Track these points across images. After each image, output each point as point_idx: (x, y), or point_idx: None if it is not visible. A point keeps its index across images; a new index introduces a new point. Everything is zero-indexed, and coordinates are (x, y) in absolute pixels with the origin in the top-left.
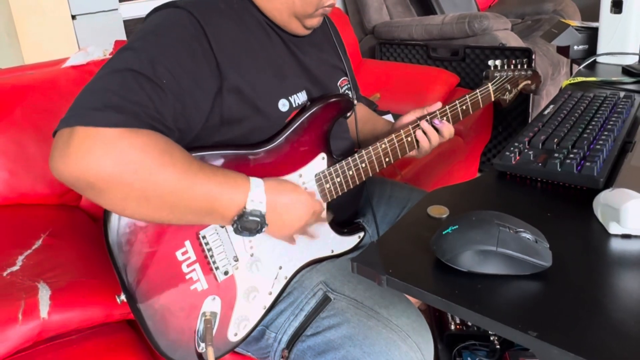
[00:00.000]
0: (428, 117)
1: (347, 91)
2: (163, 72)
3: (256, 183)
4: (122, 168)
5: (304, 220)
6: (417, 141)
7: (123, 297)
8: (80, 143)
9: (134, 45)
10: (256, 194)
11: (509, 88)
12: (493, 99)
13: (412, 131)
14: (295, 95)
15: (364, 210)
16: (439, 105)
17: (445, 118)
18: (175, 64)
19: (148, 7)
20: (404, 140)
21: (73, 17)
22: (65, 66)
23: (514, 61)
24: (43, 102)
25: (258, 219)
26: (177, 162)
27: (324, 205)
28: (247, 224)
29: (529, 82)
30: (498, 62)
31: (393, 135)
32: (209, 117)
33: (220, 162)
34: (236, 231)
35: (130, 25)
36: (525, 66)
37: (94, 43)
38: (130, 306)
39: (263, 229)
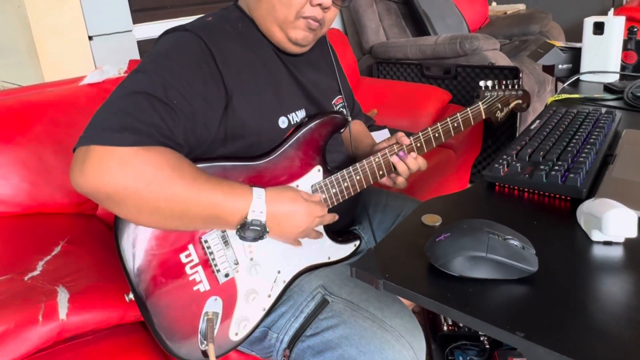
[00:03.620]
0: (396, 149)
1: (341, 109)
2: (174, 94)
3: (258, 193)
4: (136, 182)
5: (304, 226)
6: (395, 169)
7: (131, 295)
8: (97, 160)
9: (147, 68)
10: (257, 204)
11: (500, 107)
12: (484, 117)
13: (389, 157)
14: (294, 113)
15: (360, 218)
16: (406, 141)
17: (437, 133)
18: (186, 85)
19: (161, 29)
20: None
21: (90, 38)
22: (83, 84)
23: (504, 82)
24: (62, 118)
25: (258, 228)
26: (186, 175)
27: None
28: (249, 232)
29: (520, 101)
30: (489, 83)
31: (387, 150)
32: (216, 133)
33: (222, 173)
34: (240, 238)
35: (143, 45)
36: (516, 86)
37: (109, 62)
38: (138, 305)
39: (264, 237)
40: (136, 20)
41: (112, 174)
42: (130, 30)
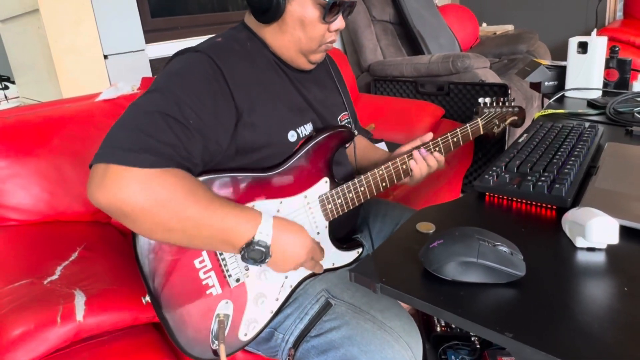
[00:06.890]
0: (421, 147)
1: (347, 124)
2: (189, 112)
3: (266, 218)
4: (152, 204)
5: (302, 259)
6: (410, 169)
7: (148, 298)
8: (117, 179)
9: (160, 87)
10: (265, 227)
11: (497, 123)
12: (482, 132)
13: (406, 159)
14: (302, 127)
15: (361, 227)
16: (430, 135)
17: (437, 148)
18: (199, 103)
19: (172, 48)
20: (399, 167)
21: (105, 56)
22: (98, 100)
23: (502, 99)
24: (79, 132)
25: (263, 249)
26: (200, 200)
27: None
28: (253, 253)
29: (516, 117)
30: (487, 100)
31: (389, 163)
32: (227, 148)
33: (234, 184)
34: (243, 258)
35: (155, 64)
36: (512, 103)
37: (123, 79)
38: (153, 307)
39: (266, 260)
40: (148, 40)
41: (130, 194)
42: (143, 50)
